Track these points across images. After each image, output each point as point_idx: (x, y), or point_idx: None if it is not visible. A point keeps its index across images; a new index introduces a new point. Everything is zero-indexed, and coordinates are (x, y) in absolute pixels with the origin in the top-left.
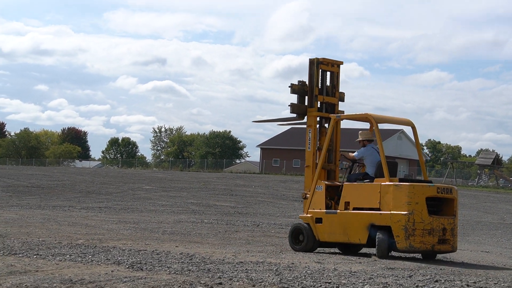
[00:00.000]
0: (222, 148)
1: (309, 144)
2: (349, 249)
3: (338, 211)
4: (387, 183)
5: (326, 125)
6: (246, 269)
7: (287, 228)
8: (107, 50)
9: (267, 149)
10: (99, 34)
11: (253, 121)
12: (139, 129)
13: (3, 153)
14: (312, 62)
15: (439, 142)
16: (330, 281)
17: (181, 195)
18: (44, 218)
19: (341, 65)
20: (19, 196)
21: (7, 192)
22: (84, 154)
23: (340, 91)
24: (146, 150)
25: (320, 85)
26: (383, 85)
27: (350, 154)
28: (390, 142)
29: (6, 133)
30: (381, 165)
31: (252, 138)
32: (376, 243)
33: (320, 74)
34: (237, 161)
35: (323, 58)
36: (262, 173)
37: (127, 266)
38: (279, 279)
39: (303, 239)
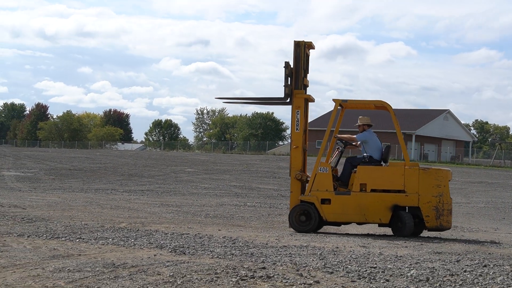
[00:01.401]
0: (265, 130)
1: (297, 125)
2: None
3: (352, 192)
4: (412, 167)
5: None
6: (289, 253)
7: None
8: (150, 32)
9: (311, 130)
10: (141, 15)
11: (217, 98)
12: (182, 111)
13: (46, 136)
14: (298, 44)
15: (486, 123)
16: (375, 265)
17: (224, 178)
18: (86, 202)
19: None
20: (61, 179)
21: (50, 175)
22: (127, 136)
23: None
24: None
25: (304, 67)
26: (430, 65)
27: (350, 136)
28: (436, 123)
29: (49, 116)
30: (387, 149)
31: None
32: (403, 222)
33: (305, 56)
34: (280, 143)
35: (310, 42)
36: None
37: (170, 250)
38: (323, 264)
39: (305, 219)
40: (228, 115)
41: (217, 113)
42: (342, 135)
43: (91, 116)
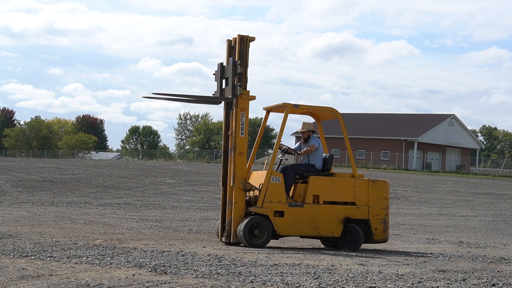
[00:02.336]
0: (253, 137)
1: (242, 129)
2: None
3: (306, 204)
4: (362, 178)
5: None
6: (281, 272)
7: None
8: (127, 29)
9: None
10: (117, 12)
11: (144, 97)
12: (162, 116)
13: (12, 144)
14: (242, 39)
15: (495, 129)
16: (374, 285)
17: (208, 190)
18: (57, 216)
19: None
20: (30, 192)
21: (17, 187)
22: (101, 144)
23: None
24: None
25: (248, 65)
26: (434, 65)
27: (308, 148)
28: (440, 129)
29: (16, 122)
30: (328, 159)
31: (286, 125)
32: (357, 236)
33: (249, 53)
34: (270, 151)
35: (253, 37)
36: None
37: (150, 269)
38: (317, 283)
39: (259, 233)
40: (212, 121)
41: (200, 119)
42: (304, 150)
43: (62, 122)
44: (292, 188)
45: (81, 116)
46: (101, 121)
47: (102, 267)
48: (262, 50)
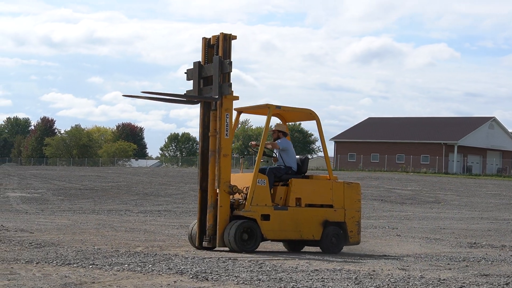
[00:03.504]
0: (292, 142)
1: (227, 131)
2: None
3: (289, 207)
4: (338, 180)
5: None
6: (322, 277)
7: (366, 231)
8: (166, 37)
9: (341, 142)
10: (155, 20)
11: (124, 95)
12: None
13: (52, 153)
14: (225, 38)
15: None
16: None
17: None
18: (99, 224)
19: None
20: (71, 200)
21: (58, 195)
22: (141, 152)
23: None
24: None
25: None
26: (474, 68)
27: (274, 143)
28: (480, 132)
29: (56, 131)
30: (304, 161)
31: (325, 130)
32: (338, 239)
33: (231, 51)
34: (309, 156)
35: (235, 36)
36: (336, 169)
37: (191, 276)
38: None
39: (247, 238)
40: (251, 127)
41: (239, 125)
42: (267, 142)
43: (101, 131)
44: (272, 191)
45: (120, 124)
46: (141, 129)
47: (144, 274)
48: (301, 56)
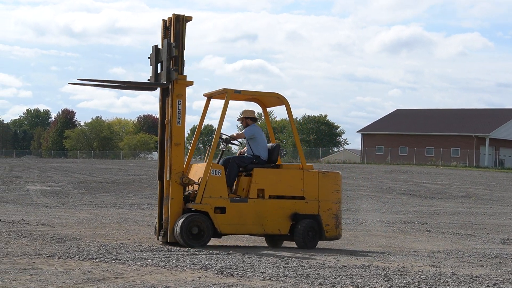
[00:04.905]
0: (317, 135)
1: (179, 118)
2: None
3: (250, 199)
4: (311, 170)
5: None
6: (350, 274)
7: (395, 226)
8: (189, 27)
9: (369, 135)
10: (177, 9)
11: (70, 83)
12: (226, 115)
13: (73, 145)
14: (177, 19)
15: None
16: (448, 287)
17: None
18: (121, 218)
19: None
20: (92, 194)
21: (79, 189)
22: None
23: None
24: None
25: (185, 47)
26: (508, 57)
27: (239, 133)
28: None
29: (76, 123)
30: (275, 149)
31: (352, 122)
32: (302, 233)
33: (185, 34)
34: (335, 149)
35: (190, 16)
36: (363, 162)
37: (216, 272)
38: (388, 286)
39: (197, 232)
40: (275, 119)
41: (263, 117)
42: (232, 134)
43: (122, 123)
44: (236, 182)
45: (142, 116)
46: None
47: (168, 269)
48: (328, 45)
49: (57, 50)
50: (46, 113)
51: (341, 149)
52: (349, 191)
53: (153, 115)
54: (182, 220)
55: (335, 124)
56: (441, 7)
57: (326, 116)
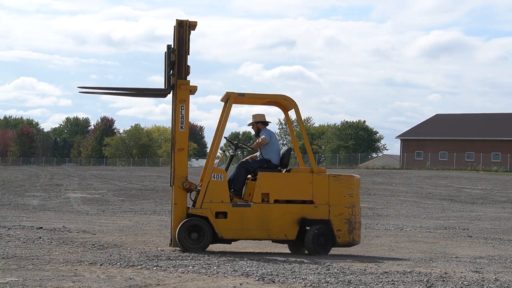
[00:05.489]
0: (356, 141)
1: (182, 123)
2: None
3: (253, 203)
4: (321, 173)
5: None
6: (392, 280)
7: (436, 232)
8: (228, 34)
9: (408, 140)
10: (214, 16)
11: (79, 87)
12: None
13: (112, 153)
14: (181, 24)
15: None
16: None
17: None
18: (160, 225)
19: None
20: (132, 201)
21: (119, 196)
22: (201, 151)
23: None
24: None
25: (189, 52)
26: None
27: (259, 141)
28: None
29: (115, 130)
30: (287, 153)
31: (391, 128)
32: (311, 239)
33: (189, 39)
34: (374, 155)
35: (195, 22)
36: (403, 168)
37: (257, 278)
38: None
39: (197, 237)
40: (314, 125)
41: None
42: (254, 144)
43: (161, 130)
44: (244, 187)
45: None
46: (201, 128)
47: (209, 276)
48: (366, 51)
49: (96, 59)
50: (86, 121)
51: (380, 154)
52: (389, 196)
53: (191, 122)
54: (180, 225)
55: (374, 130)
56: (481, 10)
57: (364, 121)
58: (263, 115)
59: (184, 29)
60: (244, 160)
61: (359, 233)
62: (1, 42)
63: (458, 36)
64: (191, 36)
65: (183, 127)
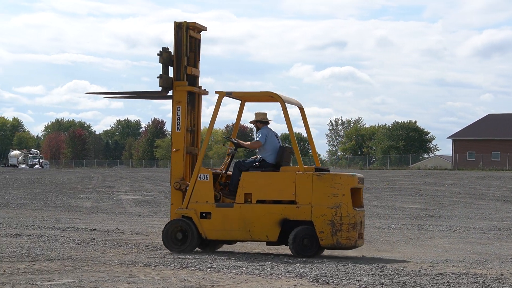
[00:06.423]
0: (407, 142)
1: (178, 124)
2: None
3: (235, 204)
4: (305, 172)
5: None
6: (447, 281)
7: (490, 233)
8: (278, 35)
9: (460, 140)
10: (264, 17)
11: (87, 93)
12: (313, 122)
13: (163, 155)
14: (179, 26)
15: None
16: None
17: (363, 197)
18: None
19: (203, 32)
20: None
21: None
22: (251, 153)
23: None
24: (320, 146)
25: (187, 54)
26: None
27: (252, 143)
28: None
29: (166, 132)
30: (283, 151)
31: (442, 128)
32: (293, 240)
33: (188, 41)
34: (425, 155)
35: (193, 23)
36: (455, 168)
37: (311, 280)
38: None
39: (181, 237)
40: (364, 126)
41: (352, 124)
42: (242, 142)
43: (212, 131)
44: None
45: (230, 125)
46: (251, 129)
47: (263, 277)
48: (418, 51)
49: (147, 61)
50: (137, 124)
51: (431, 155)
52: (441, 197)
53: (241, 124)
54: (166, 225)
55: (425, 130)
56: None
57: (415, 122)
58: (263, 114)
59: (182, 30)
60: (239, 160)
61: (349, 235)
62: (54, 46)
63: (511, 35)
64: (201, 39)
65: (179, 128)
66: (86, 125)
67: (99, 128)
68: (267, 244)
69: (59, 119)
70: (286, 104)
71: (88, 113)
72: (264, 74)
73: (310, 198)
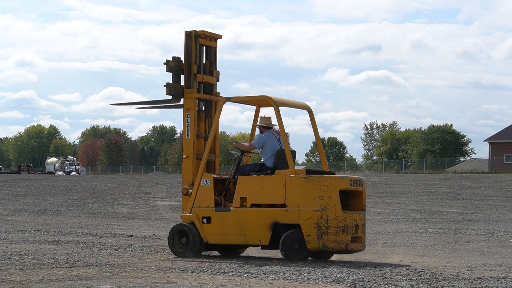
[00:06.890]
0: (443, 145)
1: (188, 131)
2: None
3: (232, 208)
4: (293, 175)
5: (203, 107)
6: (486, 286)
7: None
8: (312, 40)
9: (497, 143)
10: (297, 22)
11: (112, 104)
12: (348, 127)
13: None
14: (189, 35)
15: None
16: None
17: (399, 201)
18: None
19: (219, 39)
20: None
21: None
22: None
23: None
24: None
25: (198, 62)
26: None
27: (246, 144)
28: None
29: None
30: (281, 155)
31: (479, 131)
32: (282, 244)
33: (198, 49)
34: (461, 159)
35: (202, 31)
36: (491, 172)
37: (348, 285)
38: None
39: (186, 242)
40: (400, 130)
41: (387, 128)
42: (239, 144)
43: (246, 137)
44: None
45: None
46: (288, 134)
47: (300, 282)
48: (454, 54)
49: None
50: (172, 130)
51: (468, 158)
52: (478, 201)
53: (275, 129)
54: (171, 230)
55: (461, 134)
56: None
57: (451, 125)
58: (267, 119)
59: (192, 39)
60: (243, 164)
61: (337, 239)
62: (89, 53)
63: None
64: (225, 45)
65: (189, 134)
66: (121, 132)
67: (134, 134)
68: (261, 248)
69: (95, 126)
70: (289, 107)
71: (124, 119)
72: (298, 79)
73: (298, 201)
